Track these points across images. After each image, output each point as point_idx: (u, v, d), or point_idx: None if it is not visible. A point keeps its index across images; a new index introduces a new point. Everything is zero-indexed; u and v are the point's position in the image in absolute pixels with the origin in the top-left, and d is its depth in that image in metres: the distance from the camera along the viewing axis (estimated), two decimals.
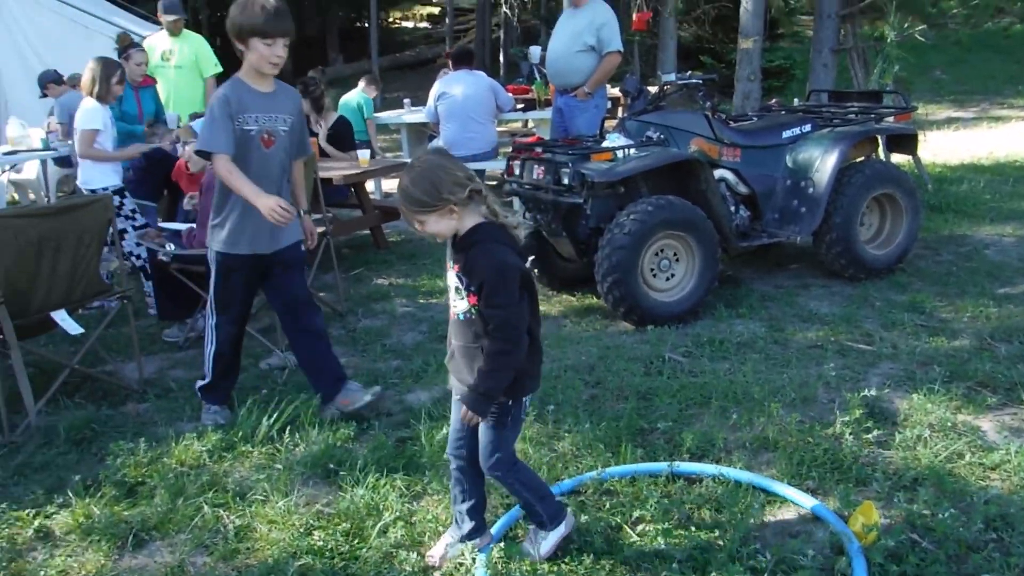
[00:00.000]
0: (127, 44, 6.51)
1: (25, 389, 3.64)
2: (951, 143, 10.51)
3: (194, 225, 4.69)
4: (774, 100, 8.32)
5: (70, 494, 3.02)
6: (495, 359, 2.32)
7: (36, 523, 2.88)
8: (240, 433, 3.45)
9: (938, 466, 2.99)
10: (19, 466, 3.32)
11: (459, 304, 2.37)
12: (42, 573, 2.64)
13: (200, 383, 3.72)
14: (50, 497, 3.06)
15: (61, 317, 3.87)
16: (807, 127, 5.47)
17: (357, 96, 8.91)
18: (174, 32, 7.07)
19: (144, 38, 7.51)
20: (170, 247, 4.55)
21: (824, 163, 5.17)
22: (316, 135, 6.92)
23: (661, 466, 3.09)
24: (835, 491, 2.91)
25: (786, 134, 5.44)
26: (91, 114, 5.11)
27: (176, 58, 7.04)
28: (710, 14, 16.97)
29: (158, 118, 6.45)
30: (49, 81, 7.86)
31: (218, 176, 3.38)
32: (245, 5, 3.23)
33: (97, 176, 5.19)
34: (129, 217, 5.20)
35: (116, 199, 5.17)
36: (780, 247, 5.85)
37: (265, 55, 3.28)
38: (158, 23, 7.72)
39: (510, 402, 2.45)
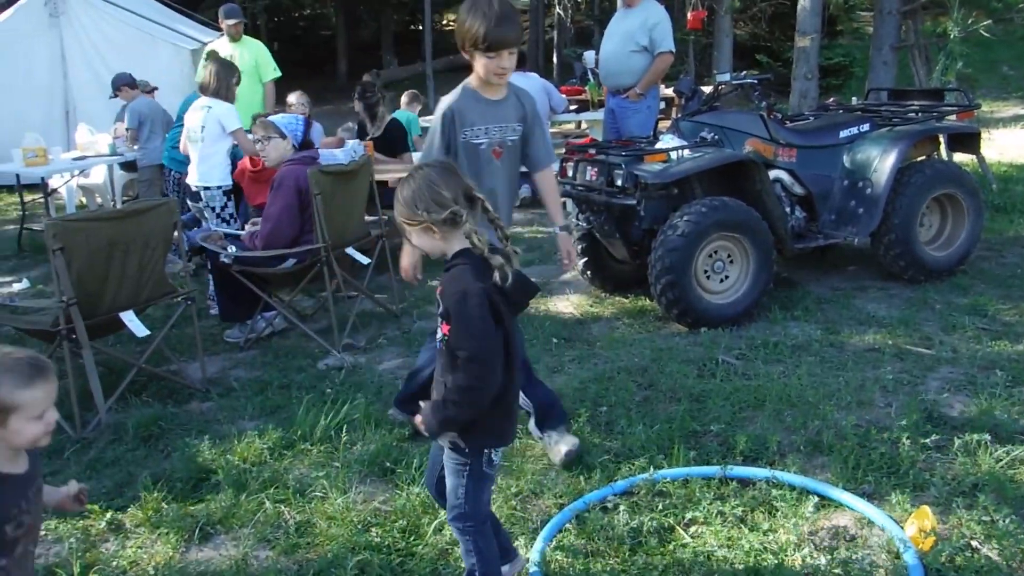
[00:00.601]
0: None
1: (96, 387, 3.79)
2: (1018, 141, 10.22)
3: (256, 228, 4.82)
4: (832, 99, 8.20)
5: (139, 489, 3.14)
6: (457, 392, 2.13)
7: (108, 516, 3.00)
8: (299, 432, 3.54)
9: (999, 472, 2.93)
10: (91, 461, 3.45)
11: (438, 331, 2.21)
12: (115, 563, 2.76)
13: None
14: (120, 491, 3.19)
15: (129, 318, 4.01)
16: (865, 126, 5.40)
17: (403, 115, 8.36)
18: (235, 37, 7.25)
19: (205, 44, 7.72)
20: (232, 249, 4.68)
21: (883, 163, 5.09)
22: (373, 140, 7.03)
23: (713, 469, 3.08)
24: (892, 496, 2.88)
25: (843, 134, 5.37)
26: (234, 113, 5.38)
27: (236, 63, 7.21)
28: (767, 12, 16.79)
29: None
30: (124, 84, 8.10)
31: None
32: (468, 15, 3.00)
33: (217, 174, 5.38)
34: (226, 220, 5.40)
35: (223, 199, 5.44)
36: (837, 249, 5.77)
37: (489, 68, 3.06)
38: (219, 29, 7.93)
39: (467, 450, 2.25)
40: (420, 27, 20.02)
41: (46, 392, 1.81)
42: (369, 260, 4.99)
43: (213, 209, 5.41)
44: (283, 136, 4.81)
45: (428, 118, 9.30)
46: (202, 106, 5.44)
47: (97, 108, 9.67)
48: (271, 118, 4.97)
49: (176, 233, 4.24)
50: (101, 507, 3.03)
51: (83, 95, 10.57)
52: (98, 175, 8.64)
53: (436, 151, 3.18)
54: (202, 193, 5.43)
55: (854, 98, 6.74)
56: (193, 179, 5.49)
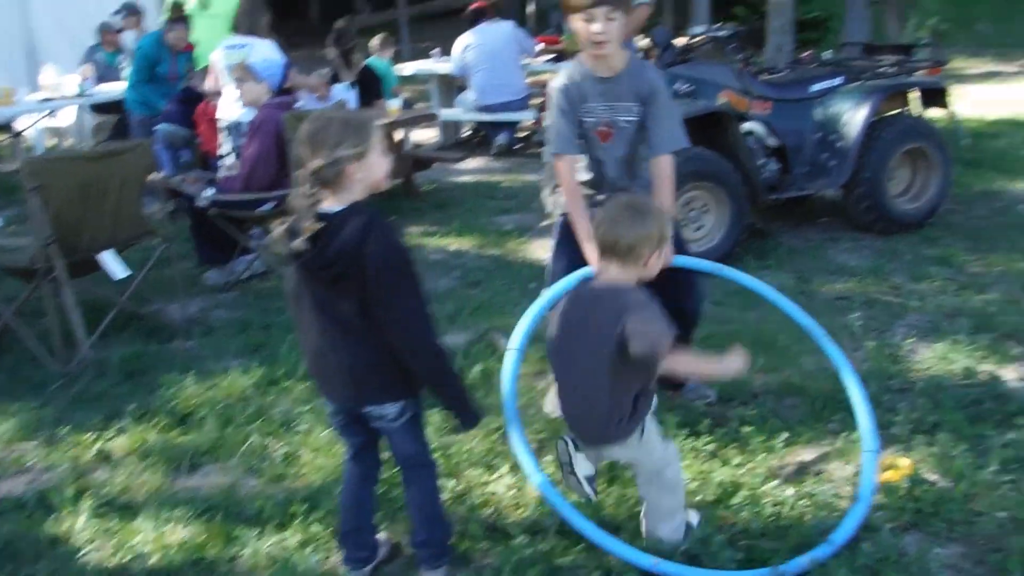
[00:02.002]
0: (177, 16, 6.77)
1: (77, 324, 3.81)
2: (992, 97, 10.35)
3: (232, 171, 4.81)
4: (807, 52, 8.25)
5: (127, 420, 3.19)
6: None
7: (96, 446, 3.06)
8: (283, 369, 3.60)
9: (958, 412, 3.08)
10: (76, 395, 3.50)
11: None
12: (106, 490, 2.83)
13: None
14: (107, 423, 3.25)
15: (109, 257, 4.02)
16: (837, 80, 5.46)
17: (377, 63, 7.93)
18: None
19: None
20: (208, 192, 4.67)
21: (854, 117, 5.18)
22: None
23: None
24: (854, 434, 3.00)
25: (816, 87, 5.43)
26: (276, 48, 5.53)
27: (213, 7, 7.10)
28: None
29: None
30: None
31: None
32: None
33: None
34: None
35: None
36: (810, 200, 5.87)
37: (582, 33, 2.80)
38: None
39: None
40: None
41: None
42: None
43: None
44: (259, 80, 4.77)
45: (403, 65, 9.24)
46: (238, 44, 5.49)
47: (62, 49, 9.44)
48: (250, 61, 4.93)
49: (151, 175, 4.24)
50: (89, 437, 3.09)
51: (46, 36, 10.29)
52: (67, 117, 8.49)
53: (564, 133, 2.92)
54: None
55: (826, 53, 6.79)
56: (234, 114, 5.43)
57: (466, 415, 2.23)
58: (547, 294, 2.83)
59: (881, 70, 5.71)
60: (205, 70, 6.24)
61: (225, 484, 2.85)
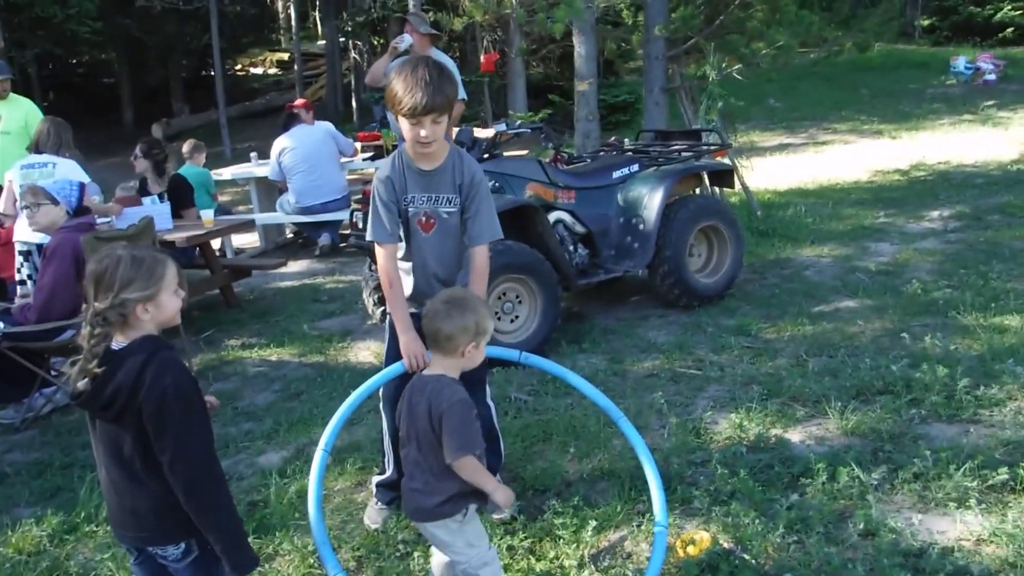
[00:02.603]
0: None
1: None
2: (782, 169, 11.36)
3: (26, 300, 4.56)
4: (613, 138, 8.79)
5: None
6: None
7: None
8: (83, 513, 3.39)
9: (750, 480, 3.28)
10: None
11: None
12: None
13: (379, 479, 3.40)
14: None
15: None
16: (635, 167, 5.86)
17: (191, 171, 7.77)
18: (1, 96, 6.83)
19: None
20: (0, 325, 4.40)
21: (651, 200, 5.55)
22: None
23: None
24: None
25: (616, 174, 5.80)
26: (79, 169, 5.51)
27: (3, 124, 6.80)
28: (556, 53, 17.67)
29: None
30: None
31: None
32: (395, 76, 2.81)
33: None
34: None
35: None
36: (622, 281, 6.20)
37: (409, 136, 2.86)
38: None
39: None
40: (211, 72, 19.50)
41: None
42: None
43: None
44: (55, 202, 4.61)
45: (221, 169, 9.12)
46: (38, 163, 5.39)
47: None
48: (40, 183, 4.75)
49: None
50: None
51: None
52: None
53: (383, 222, 2.98)
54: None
55: (626, 139, 7.27)
56: (31, 237, 5.14)
57: (241, 563, 2.14)
58: (354, 395, 2.84)
59: (673, 155, 6.18)
60: None
61: None
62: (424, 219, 3.03)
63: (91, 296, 2.05)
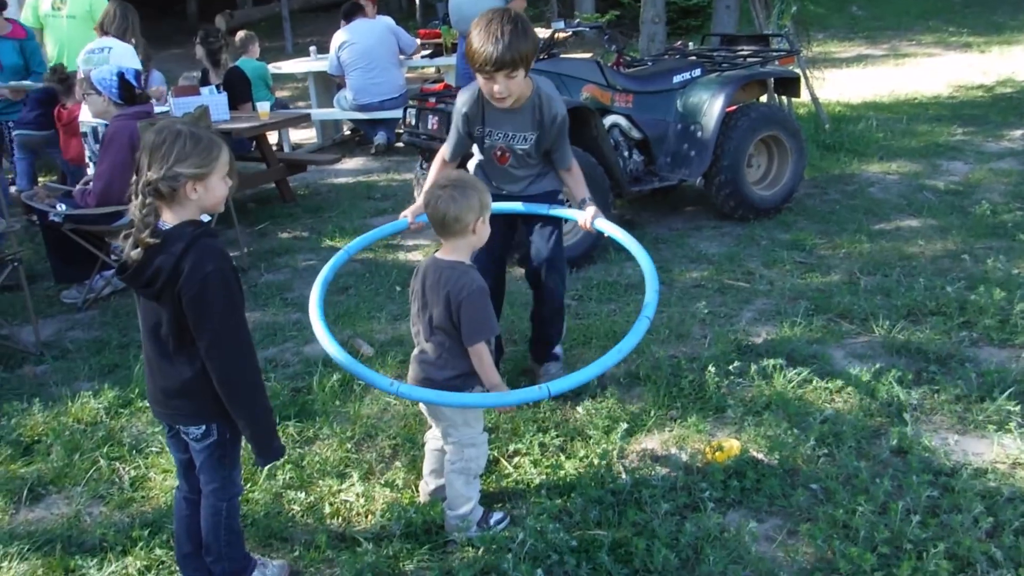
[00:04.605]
0: None
1: None
2: (859, 81, 10.86)
3: (87, 185, 4.68)
4: (679, 42, 8.49)
5: None
6: None
7: None
8: (137, 390, 3.54)
9: (787, 392, 3.27)
10: None
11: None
12: None
13: None
14: None
15: None
16: (697, 72, 5.66)
17: (248, 65, 7.58)
18: None
19: None
20: (61, 207, 4.54)
21: (711, 107, 5.38)
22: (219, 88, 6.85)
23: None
24: (692, 417, 3.17)
25: (676, 79, 5.61)
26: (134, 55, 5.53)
27: (68, 7, 6.84)
28: None
29: (30, 70, 6.50)
30: None
31: None
32: (473, 29, 2.87)
33: None
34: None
35: None
36: (678, 190, 6.08)
37: (483, 89, 3.00)
38: None
39: None
40: None
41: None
42: (210, 216, 4.91)
43: None
44: (99, 92, 4.63)
45: (280, 63, 9.10)
46: (97, 48, 5.40)
47: None
48: (93, 72, 4.79)
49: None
50: None
51: None
52: None
53: (453, 146, 3.25)
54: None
55: (691, 43, 7.01)
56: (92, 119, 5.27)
57: (267, 450, 2.21)
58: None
59: (738, 60, 5.95)
60: (58, 69, 6.06)
61: (69, 514, 2.80)
62: (499, 152, 3.20)
63: (144, 165, 2.06)
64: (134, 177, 2.09)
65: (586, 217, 3.15)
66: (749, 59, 5.95)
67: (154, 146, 2.06)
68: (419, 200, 2.97)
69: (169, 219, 2.10)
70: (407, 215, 3.12)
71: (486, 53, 2.81)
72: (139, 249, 2.05)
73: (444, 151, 3.29)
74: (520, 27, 2.83)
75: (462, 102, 3.16)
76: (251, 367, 2.17)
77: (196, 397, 2.16)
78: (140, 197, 2.06)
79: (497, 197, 3.17)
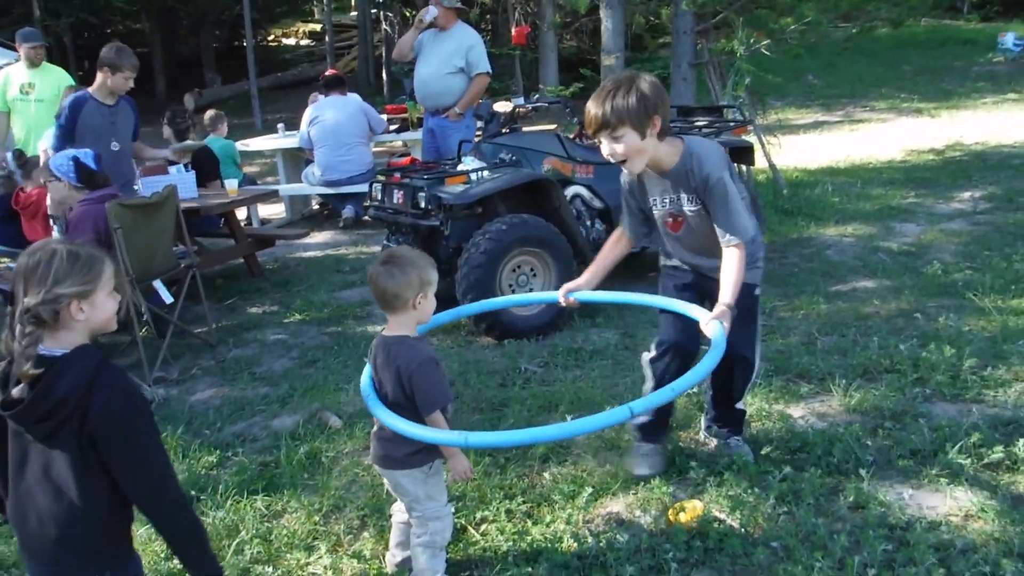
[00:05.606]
0: None
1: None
2: (815, 147, 11.23)
3: None
4: None
5: None
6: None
7: None
8: None
9: (747, 452, 3.33)
10: None
11: None
12: None
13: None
14: None
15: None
16: None
17: (216, 143, 7.87)
18: (34, 62, 6.97)
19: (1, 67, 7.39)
20: None
21: None
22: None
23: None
24: (659, 479, 3.22)
25: None
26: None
27: (37, 91, 6.96)
28: (588, 26, 17.57)
29: None
30: None
31: None
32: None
33: None
34: None
35: None
36: (639, 257, 6.21)
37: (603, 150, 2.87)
38: (15, 51, 7.59)
39: None
40: (243, 43, 19.64)
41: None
42: (172, 299, 4.97)
43: None
44: (57, 178, 4.68)
45: (248, 141, 9.25)
46: None
47: None
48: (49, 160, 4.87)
49: None
50: None
51: None
52: None
53: (627, 220, 3.27)
54: None
55: None
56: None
57: (208, 573, 2.16)
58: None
59: (693, 132, 6.16)
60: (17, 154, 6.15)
61: None
62: (671, 220, 3.09)
63: (20, 291, 1.90)
64: (8, 308, 1.97)
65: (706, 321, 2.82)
66: (704, 129, 6.18)
67: (28, 269, 1.91)
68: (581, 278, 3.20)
69: (55, 347, 1.93)
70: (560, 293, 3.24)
71: (589, 114, 2.77)
72: (22, 385, 1.87)
73: (624, 228, 3.32)
74: (630, 87, 2.70)
75: (623, 177, 3.11)
76: (176, 491, 2.09)
77: (96, 542, 2.02)
78: (19, 326, 1.88)
79: (695, 271, 3.19)
